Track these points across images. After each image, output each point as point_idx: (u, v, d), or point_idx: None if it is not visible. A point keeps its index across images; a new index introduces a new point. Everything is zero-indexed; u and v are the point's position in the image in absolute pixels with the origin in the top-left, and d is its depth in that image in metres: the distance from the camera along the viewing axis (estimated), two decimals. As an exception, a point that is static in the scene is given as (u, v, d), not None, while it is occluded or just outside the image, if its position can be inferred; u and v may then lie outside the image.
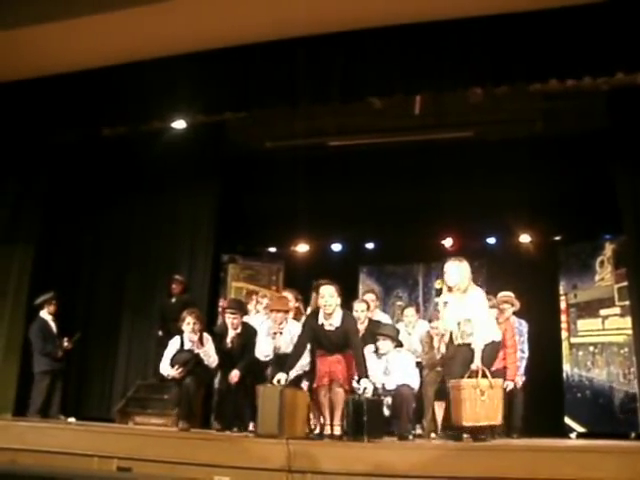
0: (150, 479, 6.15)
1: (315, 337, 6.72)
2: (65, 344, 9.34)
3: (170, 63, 8.69)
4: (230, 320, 7.89)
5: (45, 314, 9.37)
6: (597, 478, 5.28)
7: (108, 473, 6.46)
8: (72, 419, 8.97)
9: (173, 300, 10.20)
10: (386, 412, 7.03)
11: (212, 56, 8.56)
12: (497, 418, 6.47)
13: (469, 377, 6.41)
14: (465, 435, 6.65)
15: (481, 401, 6.29)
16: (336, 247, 11.92)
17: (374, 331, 7.44)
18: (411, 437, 7.01)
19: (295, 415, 6.43)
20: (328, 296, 6.57)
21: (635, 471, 5.23)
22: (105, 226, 11.21)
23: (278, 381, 6.46)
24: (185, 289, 10.30)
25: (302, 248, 11.89)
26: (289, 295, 8.13)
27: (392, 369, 7.11)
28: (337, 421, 6.62)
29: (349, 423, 6.36)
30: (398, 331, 7.55)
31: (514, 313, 8.27)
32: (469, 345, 6.54)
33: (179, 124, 10.03)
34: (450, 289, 6.79)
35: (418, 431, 7.96)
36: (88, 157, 10.98)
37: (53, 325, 9.41)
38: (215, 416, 8.63)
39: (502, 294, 8.14)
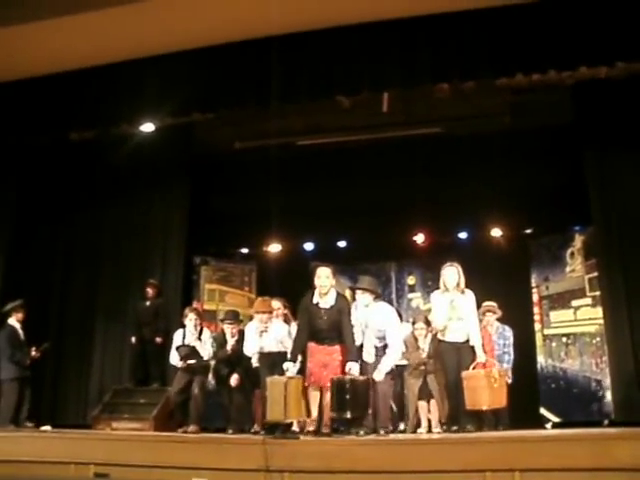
0: (128, 484, 6.13)
1: (309, 319, 6.89)
2: (33, 353, 9.25)
3: (137, 66, 8.68)
4: (229, 330, 8.57)
5: (13, 321, 9.27)
6: (572, 466, 5.34)
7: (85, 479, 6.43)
8: (47, 427, 8.89)
9: (147, 304, 10.16)
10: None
11: (179, 58, 8.57)
12: (503, 402, 7.16)
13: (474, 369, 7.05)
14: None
15: (494, 388, 6.92)
16: (308, 246, 11.91)
17: (352, 286, 7.79)
18: (382, 432, 7.01)
19: (299, 400, 6.68)
20: (324, 277, 6.82)
21: (609, 457, 5.29)
22: (76, 231, 11.13)
23: (286, 369, 6.77)
24: (159, 293, 10.26)
25: (274, 248, 11.87)
26: (278, 303, 8.42)
27: (374, 320, 7.19)
28: (326, 417, 6.82)
29: (333, 403, 6.49)
30: (376, 283, 7.83)
31: (497, 319, 8.54)
32: (464, 343, 7.20)
33: (147, 127, 9.98)
34: (446, 290, 7.34)
35: (401, 427, 8.08)
36: (56, 162, 10.89)
37: (21, 333, 9.32)
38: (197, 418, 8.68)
39: (486, 304, 8.35)
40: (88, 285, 10.91)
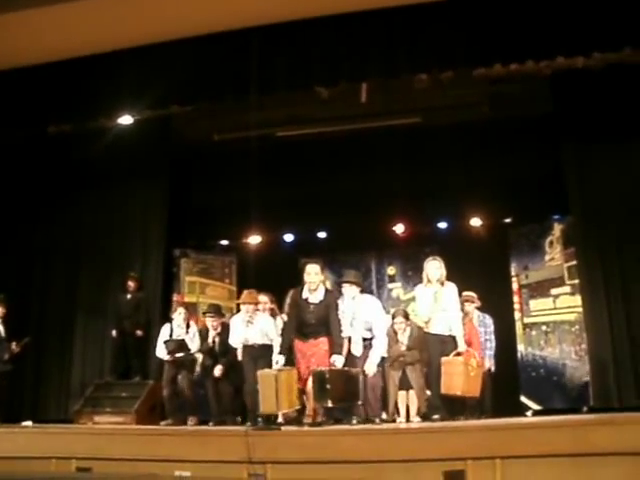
0: (110, 477, 6.12)
1: (297, 313, 7.17)
2: (13, 347, 9.21)
3: (115, 58, 8.63)
4: (210, 323, 8.84)
5: None
6: (553, 452, 5.40)
7: (67, 474, 6.41)
8: (28, 422, 8.86)
9: (128, 297, 10.12)
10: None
11: (157, 50, 8.51)
12: (477, 392, 7.40)
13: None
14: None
15: (470, 376, 7.21)
16: (288, 237, 11.91)
17: (338, 280, 8.15)
18: (377, 420, 7.40)
19: (291, 391, 6.83)
20: (314, 273, 7.11)
21: (588, 443, 5.36)
22: (55, 225, 11.06)
23: (277, 362, 7.03)
24: (140, 286, 10.23)
25: (254, 240, 11.84)
26: (265, 297, 8.64)
27: (361, 313, 7.56)
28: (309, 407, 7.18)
29: (315, 393, 6.72)
30: (361, 276, 8.25)
31: (477, 308, 8.76)
32: (449, 335, 7.41)
33: (125, 120, 9.92)
34: (429, 283, 7.57)
35: (383, 416, 8.20)
36: (34, 156, 10.81)
37: (1, 327, 9.28)
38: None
39: (465, 294, 8.50)
40: (68, 279, 10.85)
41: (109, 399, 9.41)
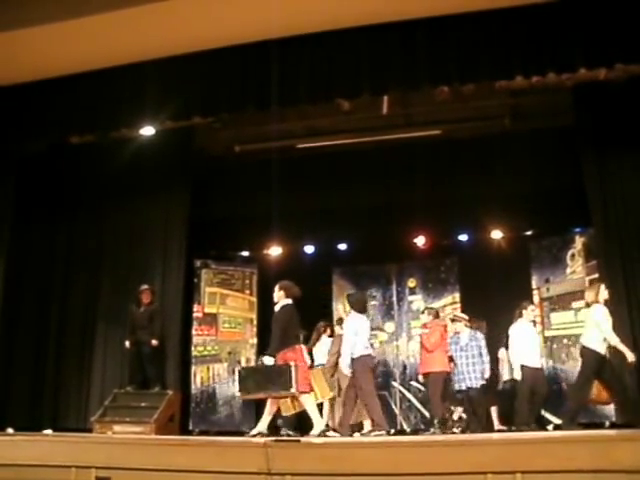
0: (129, 487, 6.12)
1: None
2: None
3: (138, 69, 8.71)
4: None
5: None
6: (573, 467, 5.33)
7: (86, 483, 6.42)
8: (49, 430, 8.89)
9: (141, 310, 10.05)
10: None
11: (179, 61, 8.59)
12: None
13: None
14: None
15: None
16: (309, 249, 11.92)
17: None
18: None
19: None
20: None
21: (610, 459, 5.29)
22: (77, 235, 11.10)
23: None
24: (154, 299, 10.16)
25: (275, 251, 11.88)
26: (322, 323, 9.90)
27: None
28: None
29: None
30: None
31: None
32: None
33: (147, 130, 9.98)
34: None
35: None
36: (57, 165, 10.89)
37: None
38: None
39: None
40: (89, 289, 10.88)
41: (128, 409, 9.42)
